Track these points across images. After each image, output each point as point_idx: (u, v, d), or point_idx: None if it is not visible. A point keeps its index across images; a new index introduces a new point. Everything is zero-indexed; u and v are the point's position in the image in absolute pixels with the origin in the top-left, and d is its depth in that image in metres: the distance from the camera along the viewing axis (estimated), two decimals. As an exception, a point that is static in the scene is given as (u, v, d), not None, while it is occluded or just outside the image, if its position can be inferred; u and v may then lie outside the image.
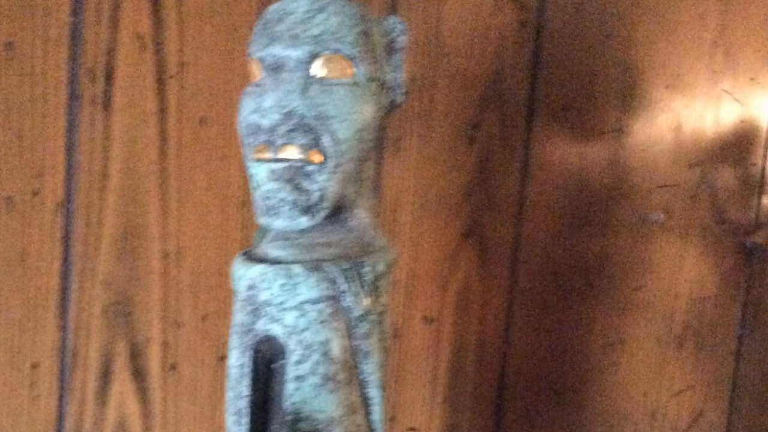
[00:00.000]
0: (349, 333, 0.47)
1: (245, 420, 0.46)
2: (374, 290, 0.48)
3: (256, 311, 0.46)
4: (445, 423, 0.80)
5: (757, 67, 0.82)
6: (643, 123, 0.80)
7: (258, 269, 0.47)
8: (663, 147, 0.81)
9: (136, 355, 0.73)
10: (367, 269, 0.47)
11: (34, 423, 0.72)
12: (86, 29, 0.70)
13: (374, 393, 0.49)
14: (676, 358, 0.84)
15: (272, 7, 0.49)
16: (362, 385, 0.48)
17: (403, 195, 0.77)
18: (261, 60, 0.48)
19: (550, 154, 0.79)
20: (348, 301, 0.47)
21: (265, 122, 0.46)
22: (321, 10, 0.47)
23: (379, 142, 0.51)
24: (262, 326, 0.46)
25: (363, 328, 0.47)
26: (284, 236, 0.49)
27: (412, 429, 0.80)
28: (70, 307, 0.72)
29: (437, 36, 0.75)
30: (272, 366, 0.47)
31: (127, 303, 0.73)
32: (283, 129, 0.46)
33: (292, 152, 0.46)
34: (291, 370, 0.45)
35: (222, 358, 0.75)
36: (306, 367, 0.45)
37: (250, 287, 0.47)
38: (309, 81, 0.46)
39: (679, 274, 0.83)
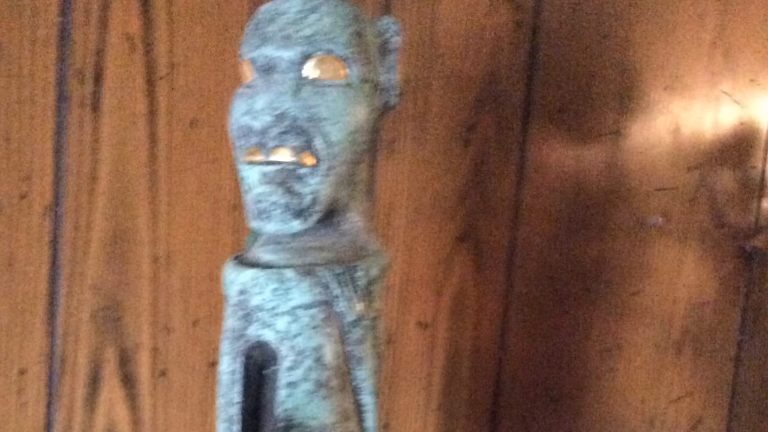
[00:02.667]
0: (342, 338, 0.47)
1: (236, 427, 0.46)
2: (367, 295, 0.47)
3: (247, 316, 0.46)
4: (439, 430, 0.80)
5: (757, 69, 0.82)
6: (641, 125, 0.80)
7: (249, 274, 0.46)
8: (661, 149, 0.81)
9: (125, 361, 0.73)
10: (360, 274, 0.47)
11: (21, 430, 0.72)
12: (75, 30, 0.69)
13: (368, 399, 0.48)
14: (675, 364, 0.84)
15: (264, 8, 0.49)
16: (355, 391, 0.48)
17: (397, 198, 0.76)
18: (252, 61, 0.48)
19: (546, 156, 0.79)
20: (341, 306, 0.46)
21: (257, 124, 0.46)
22: (313, 10, 0.47)
23: (373, 145, 0.51)
24: (254, 331, 0.46)
25: (356, 333, 0.47)
26: (276, 240, 0.49)
27: (406, 436, 0.80)
28: (58, 312, 0.71)
29: (431, 37, 0.75)
30: (264, 372, 0.47)
31: (116, 308, 0.72)
32: (275, 131, 0.46)
33: (284, 155, 0.46)
34: (283, 376, 0.45)
35: (213, 364, 0.74)
36: (298, 373, 0.45)
37: (242, 292, 0.46)
38: (301, 82, 0.46)
39: (678, 278, 0.83)
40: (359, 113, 0.47)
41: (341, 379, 0.46)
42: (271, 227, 0.47)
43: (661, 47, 0.80)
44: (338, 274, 0.46)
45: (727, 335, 0.85)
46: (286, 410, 0.44)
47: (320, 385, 0.45)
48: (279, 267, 0.46)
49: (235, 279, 0.47)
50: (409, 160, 0.76)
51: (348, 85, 0.47)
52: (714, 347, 0.85)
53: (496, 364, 0.80)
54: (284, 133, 0.45)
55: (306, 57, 0.46)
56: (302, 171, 0.46)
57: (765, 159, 0.83)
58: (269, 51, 0.47)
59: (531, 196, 0.79)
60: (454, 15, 0.76)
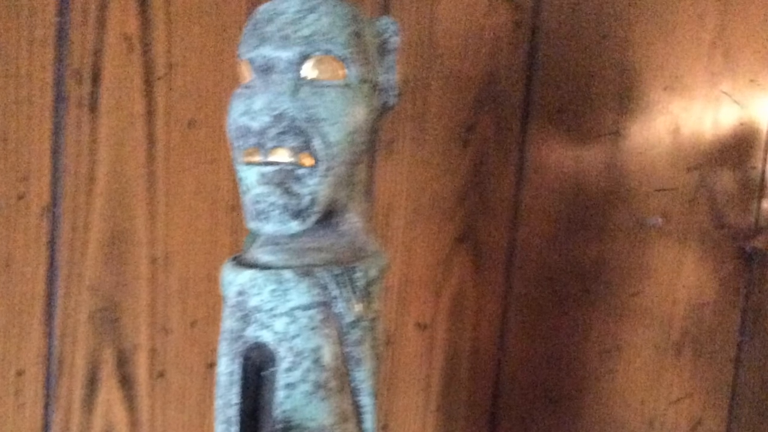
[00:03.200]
0: (341, 340, 0.47)
1: (234, 429, 0.46)
2: (366, 296, 0.47)
3: (245, 317, 0.46)
4: (438, 431, 0.80)
5: (757, 69, 0.82)
6: (641, 125, 0.80)
7: (248, 275, 0.46)
8: (661, 150, 0.81)
9: (123, 362, 0.73)
10: (359, 275, 0.47)
11: (19, 431, 0.72)
12: (72, 30, 0.69)
13: (366, 401, 0.48)
14: (675, 365, 0.84)
15: (262, 7, 0.49)
16: (354, 392, 0.48)
17: (395, 199, 0.76)
18: (251, 61, 0.48)
19: (545, 157, 0.78)
20: (339, 307, 0.46)
21: (255, 125, 0.46)
22: (312, 10, 0.47)
23: (372, 145, 0.51)
24: (252, 333, 0.46)
25: (355, 334, 0.47)
26: (274, 241, 0.49)
27: (404, 437, 0.79)
28: (56, 313, 0.71)
29: (430, 37, 0.75)
30: (262, 373, 0.46)
31: (114, 309, 0.72)
32: (273, 132, 0.45)
33: (283, 155, 0.46)
34: (281, 378, 0.45)
35: (211, 366, 0.74)
36: (297, 374, 0.45)
37: (240, 293, 0.46)
38: (300, 83, 0.46)
39: (678, 279, 0.83)
40: (358, 113, 0.47)
41: (340, 381, 0.46)
42: (269, 228, 0.47)
43: (661, 47, 0.80)
44: (337, 275, 0.46)
45: (726, 336, 0.85)
46: (284, 411, 0.44)
47: (319, 386, 0.45)
48: (277, 268, 0.46)
49: (234, 280, 0.47)
50: (408, 160, 0.76)
51: (347, 85, 0.47)
52: (714, 348, 0.85)
53: (496, 366, 0.80)
54: (283, 133, 0.45)
55: (304, 57, 0.46)
56: (301, 172, 0.46)
57: (765, 159, 0.83)
58: (267, 51, 0.47)
59: (530, 196, 0.79)
60: (453, 15, 0.76)
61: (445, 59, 0.76)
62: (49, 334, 0.71)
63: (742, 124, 0.82)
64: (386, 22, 0.50)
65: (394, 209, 0.77)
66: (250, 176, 0.47)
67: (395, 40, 0.50)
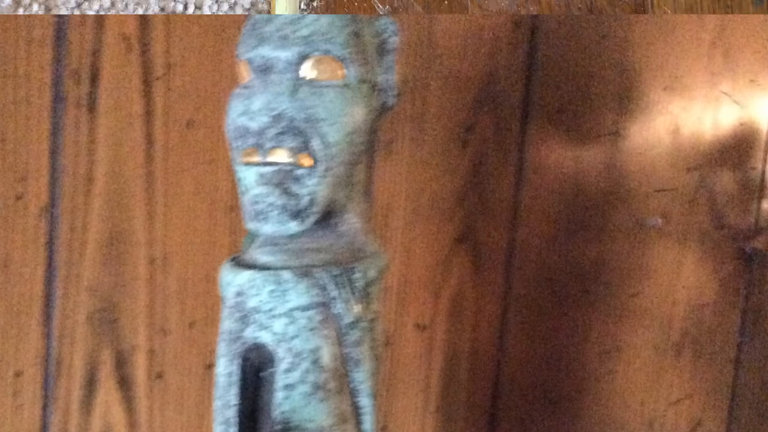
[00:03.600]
0: (340, 341, 0.47)
1: (233, 430, 0.46)
2: (365, 297, 0.47)
3: (244, 318, 0.46)
4: (437, 432, 0.80)
5: (757, 69, 0.82)
6: (641, 126, 0.80)
7: (246, 275, 0.46)
8: (661, 150, 0.81)
9: (121, 364, 0.73)
10: (358, 275, 0.47)
11: (17, 432, 0.72)
12: (71, 30, 0.69)
13: (365, 402, 0.48)
14: (674, 366, 0.84)
15: (261, 7, 0.49)
16: (353, 393, 0.48)
17: (394, 199, 0.76)
18: (249, 61, 0.48)
19: (545, 157, 0.78)
20: (338, 308, 0.46)
21: (254, 125, 0.46)
22: (311, 10, 0.47)
23: (371, 146, 0.51)
24: (251, 334, 0.46)
25: (354, 335, 0.47)
26: (273, 242, 0.49)
27: (404, 438, 0.79)
28: (54, 314, 0.71)
29: (429, 37, 0.75)
30: (261, 374, 0.46)
31: (112, 310, 0.72)
32: (272, 132, 0.45)
33: (282, 156, 0.46)
34: (280, 379, 0.45)
35: (210, 366, 0.74)
36: (295, 375, 0.45)
37: (239, 294, 0.46)
38: (298, 83, 0.46)
39: (677, 280, 0.83)
40: (357, 114, 0.47)
41: (339, 382, 0.46)
42: (268, 228, 0.46)
43: (661, 47, 0.79)
44: (336, 276, 0.46)
45: (726, 337, 0.85)
46: (283, 413, 0.44)
47: (317, 387, 0.45)
48: (276, 268, 0.46)
49: (232, 281, 0.47)
50: (407, 161, 0.76)
51: (346, 85, 0.47)
52: (714, 349, 0.85)
53: (495, 367, 0.80)
54: (281, 133, 0.45)
55: (303, 57, 0.46)
56: (299, 172, 0.46)
57: (765, 160, 0.83)
58: (266, 51, 0.47)
59: (530, 197, 0.79)
60: (452, 15, 0.75)
61: (444, 59, 0.76)
62: (47, 335, 0.71)
63: (742, 124, 0.82)
64: (385, 22, 0.50)
65: (393, 210, 0.76)
66: (248, 177, 0.47)
67: (394, 40, 0.50)
